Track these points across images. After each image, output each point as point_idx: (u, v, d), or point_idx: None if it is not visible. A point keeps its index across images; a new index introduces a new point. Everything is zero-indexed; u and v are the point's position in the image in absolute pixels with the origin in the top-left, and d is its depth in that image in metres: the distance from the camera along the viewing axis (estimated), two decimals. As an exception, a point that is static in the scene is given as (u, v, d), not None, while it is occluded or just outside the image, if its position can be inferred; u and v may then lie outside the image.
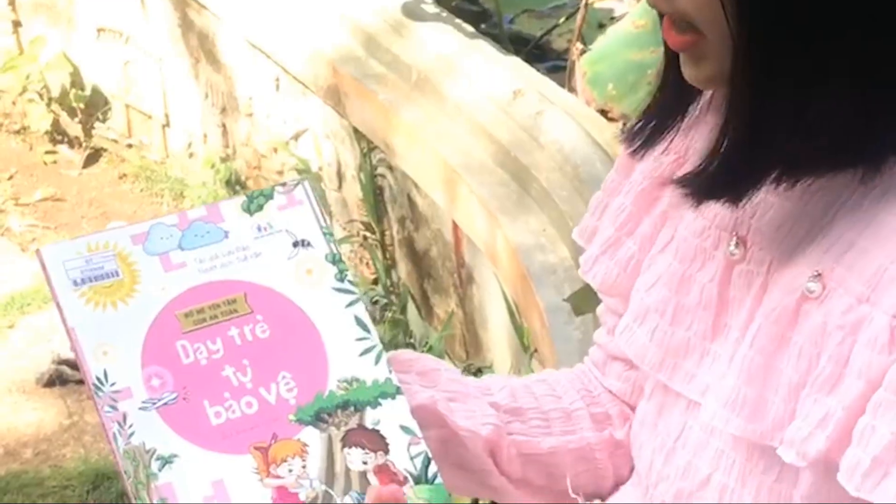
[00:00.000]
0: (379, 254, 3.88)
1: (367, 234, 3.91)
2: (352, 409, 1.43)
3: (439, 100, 3.48)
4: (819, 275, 1.30)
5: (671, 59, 1.39)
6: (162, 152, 4.72)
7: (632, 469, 1.56)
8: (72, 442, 3.65)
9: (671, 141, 1.45)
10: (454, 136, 3.37)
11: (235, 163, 4.49)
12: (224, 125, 4.47)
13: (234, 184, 4.46)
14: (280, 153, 4.23)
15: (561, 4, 4.54)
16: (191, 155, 4.59)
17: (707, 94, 1.43)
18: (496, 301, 3.23)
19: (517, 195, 3.16)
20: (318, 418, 1.42)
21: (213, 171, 4.49)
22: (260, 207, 1.48)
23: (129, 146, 4.79)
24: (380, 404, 1.44)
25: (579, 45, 3.56)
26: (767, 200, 1.35)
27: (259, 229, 1.48)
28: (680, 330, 1.43)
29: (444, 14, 3.75)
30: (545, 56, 4.09)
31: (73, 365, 3.77)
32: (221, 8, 4.22)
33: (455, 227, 3.42)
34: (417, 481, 1.41)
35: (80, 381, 3.85)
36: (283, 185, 1.50)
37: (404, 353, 1.54)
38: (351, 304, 1.47)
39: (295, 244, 1.48)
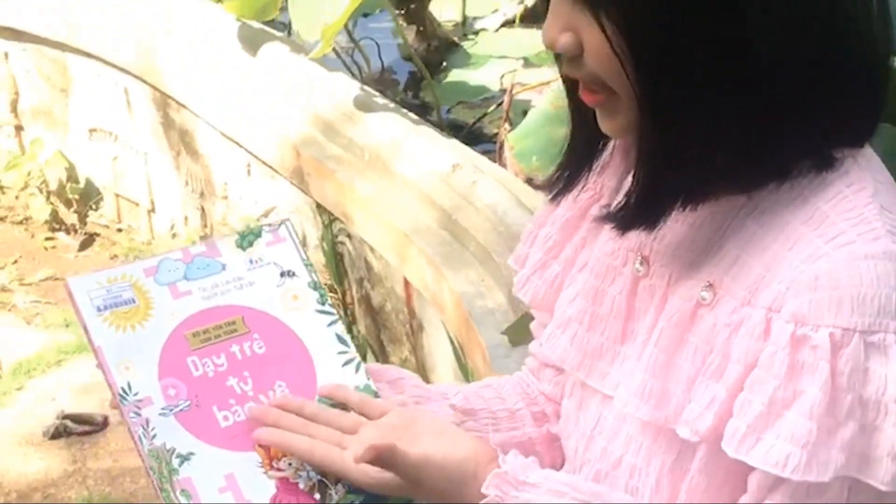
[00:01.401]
0: (341, 312, 3.87)
1: (331, 294, 3.88)
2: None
3: (389, 175, 3.49)
4: (711, 285, 1.32)
5: (578, 117, 1.42)
6: (148, 235, 4.69)
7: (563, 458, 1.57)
8: (76, 485, 3.63)
9: (586, 181, 1.47)
10: (403, 206, 3.38)
11: (213, 239, 4.45)
12: (203, 207, 4.43)
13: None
14: (253, 228, 4.20)
15: (490, 96, 4.55)
16: (174, 235, 4.55)
17: (613, 140, 1.46)
18: (443, 345, 3.23)
19: (459, 252, 3.16)
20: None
21: (193, 248, 4.46)
22: (251, 244, 1.51)
23: (119, 230, 4.77)
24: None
25: (507, 127, 3.63)
26: (666, 225, 1.35)
27: (251, 262, 1.51)
28: (595, 335, 1.44)
29: (391, 105, 3.78)
30: (478, 140, 4.13)
31: (77, 419, 3.79)
32: (198, 106, 4.20)
33: (406, 283, 3.43)
34: None
35: (83, 433, 3.92)
36: (269, 225, 1.53)
37: (373, 366, 1.56)
38: (331, 323, 1.50)
39: (282, 274, 1.51)
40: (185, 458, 1.38)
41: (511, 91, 3.69)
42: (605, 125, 1.34)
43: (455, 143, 3.56)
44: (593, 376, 1.45)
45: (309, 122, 3.78)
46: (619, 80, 1.27)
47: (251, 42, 4.11)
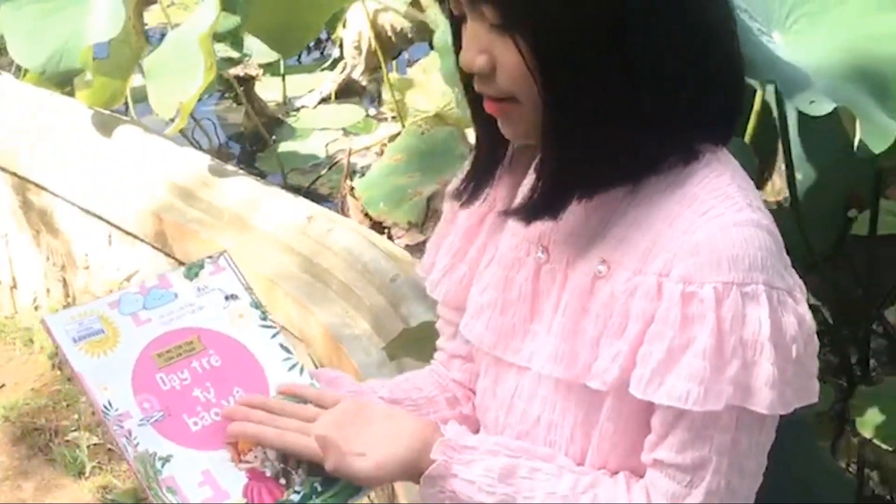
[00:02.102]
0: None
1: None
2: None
3: (249, 230, 3.55)
4: (605, 261, 1.38)
5: (484, 132, 1.49)
6: (11, 309, 4.62)
7: (477, 432, 1.57)
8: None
9: (489, 190, 1.52)
10: (266, 256, 3.43)
11: (76, 307, 4.28)
12: (64, 279, 4.37)
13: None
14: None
15: (318, 162, 4.68)
16: (36, 308, 4.49)
17: (507, 158, 1.52)
18: (311, 375, 3.29)
19: (322, 290, 3.25)
20: None
21: (56, 317, 4.31)
22: (196, 274, 1.56)
23: (-19, 307, 4.66)
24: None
25: (349, 182, 3.83)
26: (560, 219, 1.41)
27: (199, 290, 1.55)
28: (507, 318, 1.49)
29: (241, 172, 3.89)
30: (315, 200, 4.05)
31: None
32: (58, 187, 4.19)
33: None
34: None
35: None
36: (210, 257, 1.58)
37: (312, 370, 1.59)
38: (274, 335, 1.55)
39: (226, 297, 1.56)
40: (165, 461, 1.41)
41: (349, 154, 3.85)
42: (507, 131, 1.40)
43: (304, 200, 3.65)
44: (508, 352, 1.49)
45: (167, 191, 3.80)
46: (527, 92, 1.33)
47: (104, 126, 4.16)
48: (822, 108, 1.83)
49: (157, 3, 5.40)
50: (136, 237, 3.95)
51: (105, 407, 1.42)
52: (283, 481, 1.43)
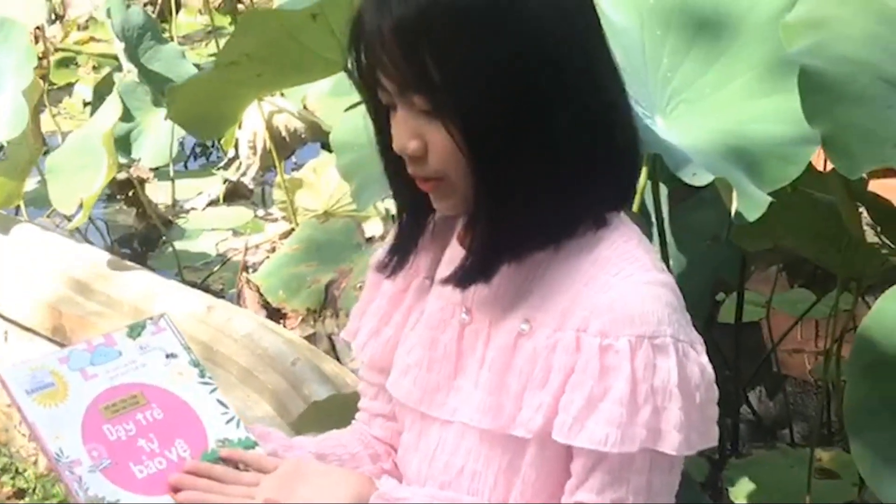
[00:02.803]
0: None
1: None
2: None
3: None
4: (527, 320, 1.43)
5: (410, 207, 1.54)
6: None
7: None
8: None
9: (413, 260, 1.57)
10: None
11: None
12: None
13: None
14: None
15: (210, 260, 4.74)
16: None
17: (428, 230, 1.56)
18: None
19: (223, 376, 3.23)
20: None
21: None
22: (139, 334, 1.61)
23: None
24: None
25: (244, 275, 3.87)
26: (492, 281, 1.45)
27: (141, 348, 1.60)
28: (433, 375, 1.52)
29: (138, 266, 3.90)
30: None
31: None
32: None
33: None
34: None
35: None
36: (152, 319, 1.64)
37: (247, 425, 1.62)
38: (212, 391, 1.60)
39: (167, 356, 1.61)
40: None
41: (246, 248, 3.93)
42: (440, 206, 1.46)
43: (202, 292, 3.68)
44: (433, 407, 1.52)
45: (65, 285, 3.78)
46: (457, 170, 1.39)
47: (0, 225, 4.14)
48: (703, 178, 1.99)
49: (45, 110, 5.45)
50: (34, 332, 3.86)
51: (57, 454, 1.47)
52: None
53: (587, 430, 1.36)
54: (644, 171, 2.32)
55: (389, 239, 1.58)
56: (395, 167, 1.47)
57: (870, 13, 1.79)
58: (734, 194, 2.02)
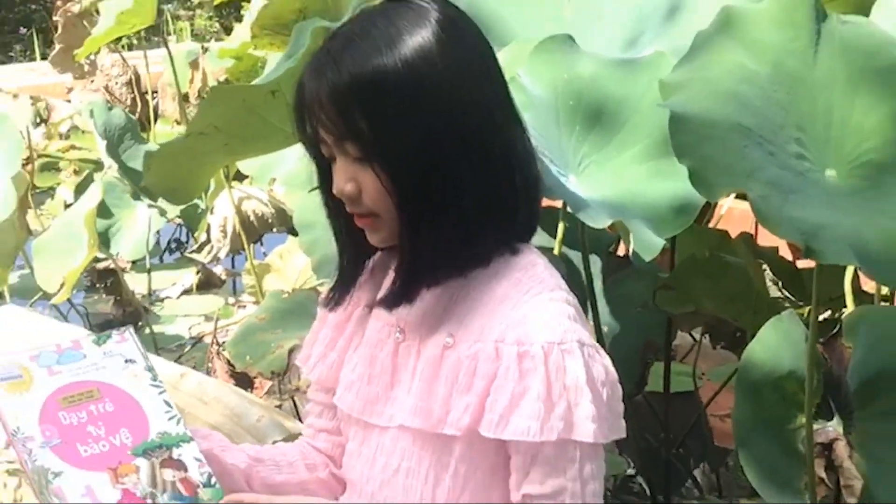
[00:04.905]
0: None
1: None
2: (164, 448, 1.64)
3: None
4: (451, 335, 1.54)
5: (349, 245, 1.64)
6: None
7: (344, 487, 1.73)
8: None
9: (352, 294, 1.68)
10: None
11: None
12: None
13: None
14: None
15: (183, 342, 4.89)
16: None
17: (367, 269, 1.68)
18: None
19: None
20: (145, 454, 1.62)
21: None
22: (104, 342, 1.72)
23: None
24: (180, 446, 1.65)
25: (215, 347, 3.94)
26: (414, 304, 1.56)
27: (105, 354, 1.70)
28: (373, 388, 1.63)
29: None
30: None
31: None
32: None
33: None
34: (205, 486, 1.63)
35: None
36: (118, 330, 1.74)
37: (191, 427, 1.70)
38: (161, 392, 1.70)
39: (126, 361, 1.71)
40: (56, 475, 1.56)
41: (216, 326, 4.06)
42: (373, 239, 1.56)
43: (175, 364, 3.73)
44: (374, 416, 1.62)
45: None
46: (386, 208, 1.50)
47: None
48: (602, 222, 2.20)
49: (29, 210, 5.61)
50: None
51: (14, 431, 1.57)
52: (149, 501, 1.58)
53: (511, 424, 1.46)
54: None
55: (332, 278, 1.70)
56: (335, 212, 1.60)
57: (733, 75, 1.99)
58: (631, 237, 2.23)
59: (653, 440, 3.15)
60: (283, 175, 4.14)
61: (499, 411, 1.47)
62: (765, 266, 2.77)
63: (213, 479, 1.64)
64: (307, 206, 3.49)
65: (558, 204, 2.55)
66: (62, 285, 3.97)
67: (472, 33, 1.56)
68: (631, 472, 3.28)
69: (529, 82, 2.41)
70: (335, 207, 1.59)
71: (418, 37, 1.48)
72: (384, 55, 1.46)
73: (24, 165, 5.07)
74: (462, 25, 1.55)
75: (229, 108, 2.48)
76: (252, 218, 4.60)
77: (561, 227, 2.59)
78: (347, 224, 1.59)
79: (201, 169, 2.65)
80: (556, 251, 2.67)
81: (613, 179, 2.36)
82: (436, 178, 1.49)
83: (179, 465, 1.63)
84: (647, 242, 2.25)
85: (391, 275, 1.60)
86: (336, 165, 1.53)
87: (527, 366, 1.47)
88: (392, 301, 1.56)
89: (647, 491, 3.16)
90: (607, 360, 1.52)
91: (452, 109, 1.49)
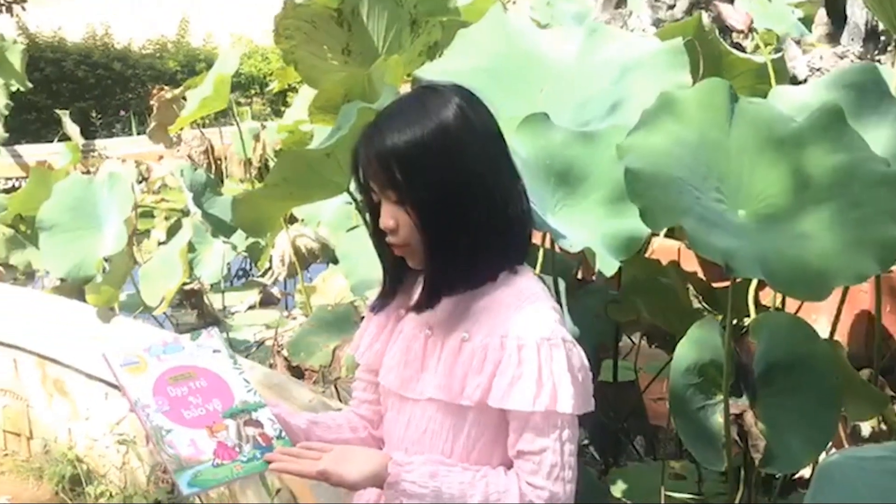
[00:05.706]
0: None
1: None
2: (246, 412, 1.66)
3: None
4: (468, 332, 1.54)
5: (390, 265, 1.63)
6: (26, 453, 4.38)
7: (378, 445, 1.71)
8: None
9: (394, 302, 1.66)
10: None
11: None
12: (69, 429, 4.19)
13: None
14: None
15: (251, 344, 4.78)
16: (47, 451, 4.29)
17: (405, 283, 1.64)
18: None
19: None
20: (232, 416, 1.64)
21: None
22: (197, 338, 1.76)
23: None
24: (257, 410, 1.67)
25: (276, 347, 3.91)
26: (440, 307, 1.55)
27: (198, 346, 1.74)
28: (407, 370, 1.61)
29: None
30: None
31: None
32: (69, 359, 4.07)
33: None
34: (278, 438, 1.64)
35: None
36: (206, 329, 1.77)
37: (267, 399, 1.68)
38: (241, 373, 1.72)
39: (213, 351, 1.74)
40: (168, 431, 1.59)
41: (277, 332, 4.05)
42: (410, 262, 1.56)
43: (246, 360, 3.77)
44: (408, 391, 1.61)
45: None
46: (417, 240, 1.51)
47: (105, 317, 4.25)
48: (576, 248, 2.21)
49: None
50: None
51: (136, 400, 1.61)
52: (237, 449, 1.60)
53: (511, 398, 1.48)
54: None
55: (376, 290, 1.70)
56: (380, 242, 1.59)
57: (670, 141, 2.03)
58: (597, 258, 2.28)
59: (603, 418, 3.15)
60: (327, 218, 4.15)
61: (502, 388, 1.48)
62: (688, 286, 2.80)
63: (284, 433, 1.64)
64: (346, 242, 3.51)
65: (538, 241, 2.56)
66: (163, 300, 3.99)
67: (482, 111, 1.56)
68: (585, 442, 3.28)
69: (517, 145, 2.42)
70: (380, 238, 1.58)
71: (442, 114, 1.49)
72: (415, 128, 1.47)
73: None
74: (475, 105, 1.55)
75: (295, 166, 2.49)
76: (303, 251, 4.59)
77: (541, 255, 2.60)
78: (389, 251, 1.59)
79: (273, 211, 2.68)
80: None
81: (581, 218, 2.35)
82: (452, 217, 1.49)
83: (258, 424, 1.64)
84: (608, 263, 2.28)
85: (420, 288, 1.59)
86: (382, 207, 1.54)
87: (524, 355, 1.47)
88: (420, 307, 1.56)
89: (598, 457, 3.17)
90: (582, 353, 1.52)
91: (465, 167, 1.49)
